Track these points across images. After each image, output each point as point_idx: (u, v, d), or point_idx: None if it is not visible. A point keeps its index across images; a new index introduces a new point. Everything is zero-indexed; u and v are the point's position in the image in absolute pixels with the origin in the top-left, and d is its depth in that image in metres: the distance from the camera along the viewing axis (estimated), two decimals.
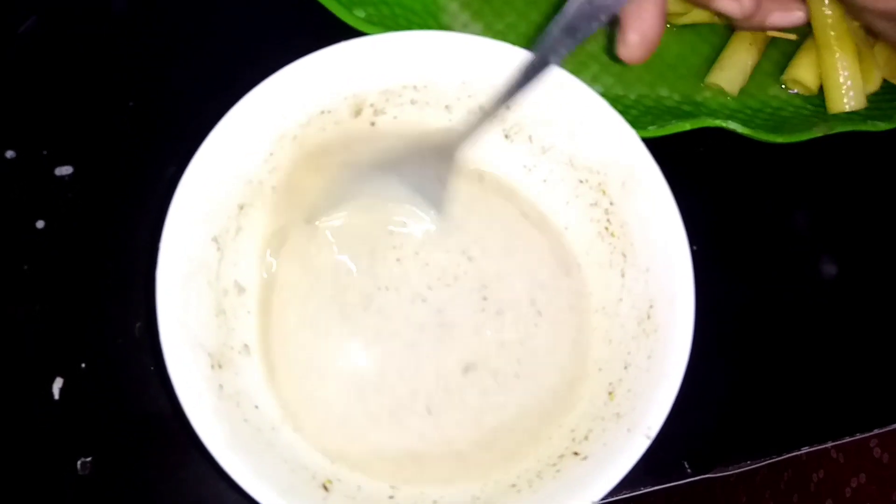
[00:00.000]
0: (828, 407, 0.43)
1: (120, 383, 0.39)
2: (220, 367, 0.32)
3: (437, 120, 0.37)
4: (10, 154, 0.41)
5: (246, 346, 0.35)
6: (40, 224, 0.40)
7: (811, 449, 0.43)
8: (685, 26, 0.45)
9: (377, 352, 0.37)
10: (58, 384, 0.38)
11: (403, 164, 0.37)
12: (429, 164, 0.36)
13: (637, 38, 0.33)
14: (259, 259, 0.36)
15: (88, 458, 0.38)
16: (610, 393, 0.35)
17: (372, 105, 0.36)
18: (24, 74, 0.42)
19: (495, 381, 0.37)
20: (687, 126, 0.40)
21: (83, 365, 0.39)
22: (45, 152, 0.41)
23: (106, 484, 0.38)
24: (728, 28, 0.45)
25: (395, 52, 0.34)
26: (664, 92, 0.45)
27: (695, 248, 0.33)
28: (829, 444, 0.43)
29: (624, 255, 0.36)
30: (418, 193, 0.37)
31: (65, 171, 0.41)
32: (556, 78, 0.34)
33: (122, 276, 0.40)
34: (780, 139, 0.41)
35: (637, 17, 0.32)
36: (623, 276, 0.36)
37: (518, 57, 0.34)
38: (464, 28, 0.44)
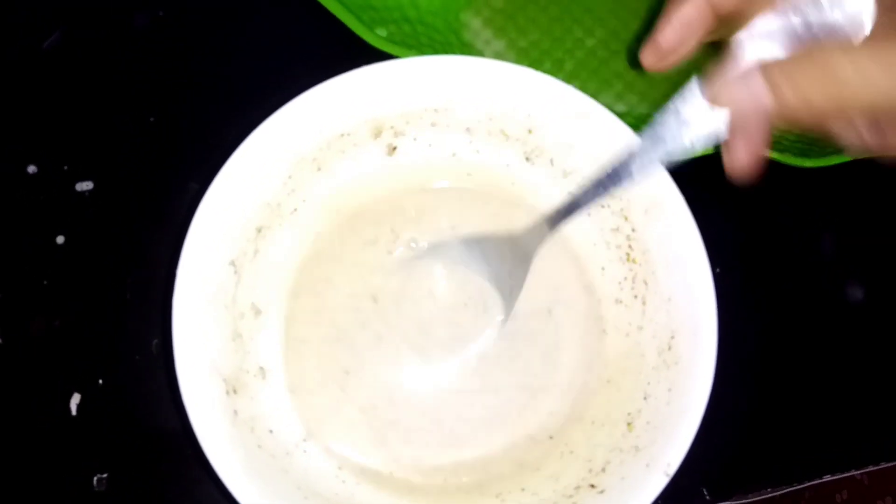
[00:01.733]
0: (852, 434, 0.42)
1: (136, 400, 0.39)
2: (234, 392, 0.32)
3: (458, 142, 0.37)
4: (31, 169, 0.41)
5: (261, 368, 0.35)
6: (60, 239, 0.40)
7: (833, 477, 0.42)
8: (713, 42, 0.44)
9: (395, 368, 0.36)
10: (75, 400, 0.38)
11: (487, 245, 0.37)
12: (507, 258, 0.36)
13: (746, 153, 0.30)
14: (279, 280, 0.36)
15: (104, 475, 0.38)
16: (628, 423, 0.34)
17: (392, 127, 0.36)
18: (46, 90, 0.42)
19: (512, 402, 0.36)
20: (711, 150, 0.40)
21: (100, 381, 0.39)
22: (66, 167, 0.41)
23: (121, 501, 0.38)
24: None
25: (416, 77, 0.34)
26: None
27: (717, 270, 0.33)
28: (854, 473, 0.42)
29: (645, 283, 0.36)
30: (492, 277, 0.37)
31: (85, 186, 0.41)
32: (579, 103, 0.34)
33: (140, 292, 0.40)
34: (808, 163, 0.40)
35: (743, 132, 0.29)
36: (644, 304, 0.36)
37: (537, 81, 0.34)
38: (486, 45, 0.44)
